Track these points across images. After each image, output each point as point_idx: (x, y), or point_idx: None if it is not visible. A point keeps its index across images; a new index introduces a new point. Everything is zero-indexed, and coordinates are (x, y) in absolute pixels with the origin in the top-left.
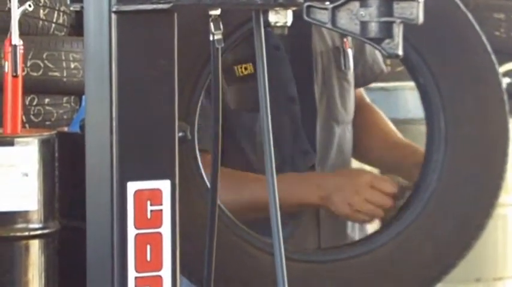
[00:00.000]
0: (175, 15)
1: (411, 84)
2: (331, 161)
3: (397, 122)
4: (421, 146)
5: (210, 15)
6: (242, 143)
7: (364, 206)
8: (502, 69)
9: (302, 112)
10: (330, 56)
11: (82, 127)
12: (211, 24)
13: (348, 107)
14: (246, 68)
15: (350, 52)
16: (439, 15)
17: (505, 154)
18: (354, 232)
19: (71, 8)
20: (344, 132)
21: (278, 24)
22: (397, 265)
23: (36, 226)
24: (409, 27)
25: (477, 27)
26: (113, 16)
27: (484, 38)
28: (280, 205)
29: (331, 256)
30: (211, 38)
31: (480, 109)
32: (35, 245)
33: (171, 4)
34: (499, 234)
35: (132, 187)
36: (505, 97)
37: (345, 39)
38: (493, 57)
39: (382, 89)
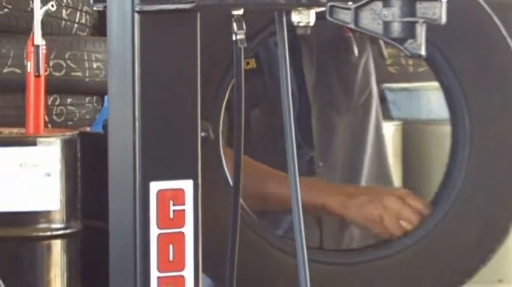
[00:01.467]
0: (198, 15)
1: (434, 84)
2: (335, 153)
3: (419, 122)
4: (443, 146)
5: (233, 15)
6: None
7: (389, 217)
8: None
9: (303, 100)
10: (327, 44)
11: (105, 127)
12: (234, 24)
13: (353, 92)
14: (248, 63)
15: (351, 36)
16: (463, 16)
17: None
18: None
19: (94, 8)
20: (353, 118)
21: (301, 24)
22: (421, 267)
23: (59, 225)
24: (434, 28)
25: (502, 28)
26: (136, 16)
27: (509, 39)
28: (303, 207)
29: (354, 257)
30: (234, 38)
31: (505, 110)
32: (57, 245)
33: (194, 4)
34: None
35: (155, 186)
36: None
37: None
38: None
39: (404, 89)
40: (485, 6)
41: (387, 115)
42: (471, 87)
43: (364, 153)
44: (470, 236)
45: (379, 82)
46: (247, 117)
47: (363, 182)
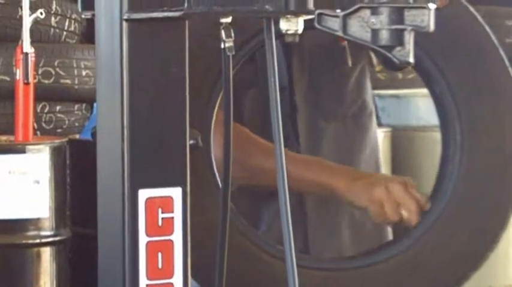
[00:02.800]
0: (187, 23)
1: (423, 91)
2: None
3: (408, 129)
4: (433, 153)
5: (221, 23)
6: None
7: (389, 202)
8: None
9: (291, 104)
10: (321, 51)
11: (94, 135)
12: (222, 32)
13: (343, 102)
14: None
15: (346, 46)
16: (456, 26)
17: None
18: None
19: (82, 16)
20: (341, 128)
21: (289, 32)
22: (411, 274)
23: (48, 233)
24: (426, 38)
25: (494, 38)
26: (124, 24)
27: (500, 50)
28: (303, 183)
29: (344, 264)
30: (222, 46)
31: (496, 120)
32: (46, 253)
33: (182, 12)
34: (511, 241)
35: (144, 194)
36: None
37: None
38: (510, 70)
39: (394, 96)
40: (477, 15)
41: (376, 122)
42: (462, 97)
43: (356, 165)
44: (460, 243)
45: None
46: (242, 100)
47: None
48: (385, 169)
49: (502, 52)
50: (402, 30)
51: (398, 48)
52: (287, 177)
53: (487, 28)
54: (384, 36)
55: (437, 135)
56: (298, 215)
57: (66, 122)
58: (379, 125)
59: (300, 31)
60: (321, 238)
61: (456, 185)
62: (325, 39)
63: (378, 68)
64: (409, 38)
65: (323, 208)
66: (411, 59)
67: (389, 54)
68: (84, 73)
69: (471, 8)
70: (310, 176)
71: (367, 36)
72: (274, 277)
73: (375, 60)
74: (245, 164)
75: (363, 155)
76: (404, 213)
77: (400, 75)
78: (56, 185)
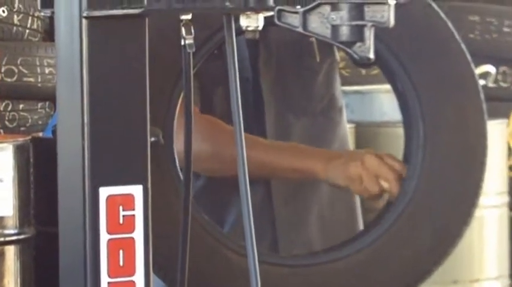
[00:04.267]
0: (147, 20)
1: (386, 87)
2: None
3: (372, 125)
4: (397, 149)
5: (181, 20)
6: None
7: (368, 176)
8: (476, 71)
9: (256, 99)
10: (289, 47)
11: (54, 132)
12: (183, 29)
13: (312, 97)
14: None
15: (314, 41)
16: (419, 23)
17: (483, 163)
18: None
19: (42, 14)
20: (311, 124)
21: (249, 29)
22: (373, 271)
23: (12, 231)
24: (389, 34)
25: (457, 35)
26: (84, 21)
27: (464, 47)
28: (280, 170)
29: (306, 260)
30: (182, 43)
31: (459, 117)
32: (10, 251)
33: (142, 9)
34: (475, 236)
35: (105, 192)
36: (484, 106)
37: None
38: (473, 66)
39: (357, 92)
40: (441, 13)
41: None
42: (425, 93)
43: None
44: (424, 239)
45: None
46: (214, 95)
47: (323, 191)
48: None
49: (464, 48)
50: (362, 26)
51: (358, 44)
52: (263, 166)
53: (450, 24)
54: (344, 32)
55: (401, 131)
56: (266, 213)
57: (30, 120)
58: None
59: (260, 27)
60: (290, 234)
61: (419, 181)
62: (292, 34)
63: (341, 64)
64: (369, 34)
65: (291, 204)
66: (371, 55)
67: (349, 50)
68: (47, 71)
69: (434, 4)
70: (287, 163)
71: (327, 32)
72: (236, 272)
73: (337, 56)
74: (219, 154)
75: (332, 150)
76: (384, 183)
77: (363, 71)
78: (19, 184)
